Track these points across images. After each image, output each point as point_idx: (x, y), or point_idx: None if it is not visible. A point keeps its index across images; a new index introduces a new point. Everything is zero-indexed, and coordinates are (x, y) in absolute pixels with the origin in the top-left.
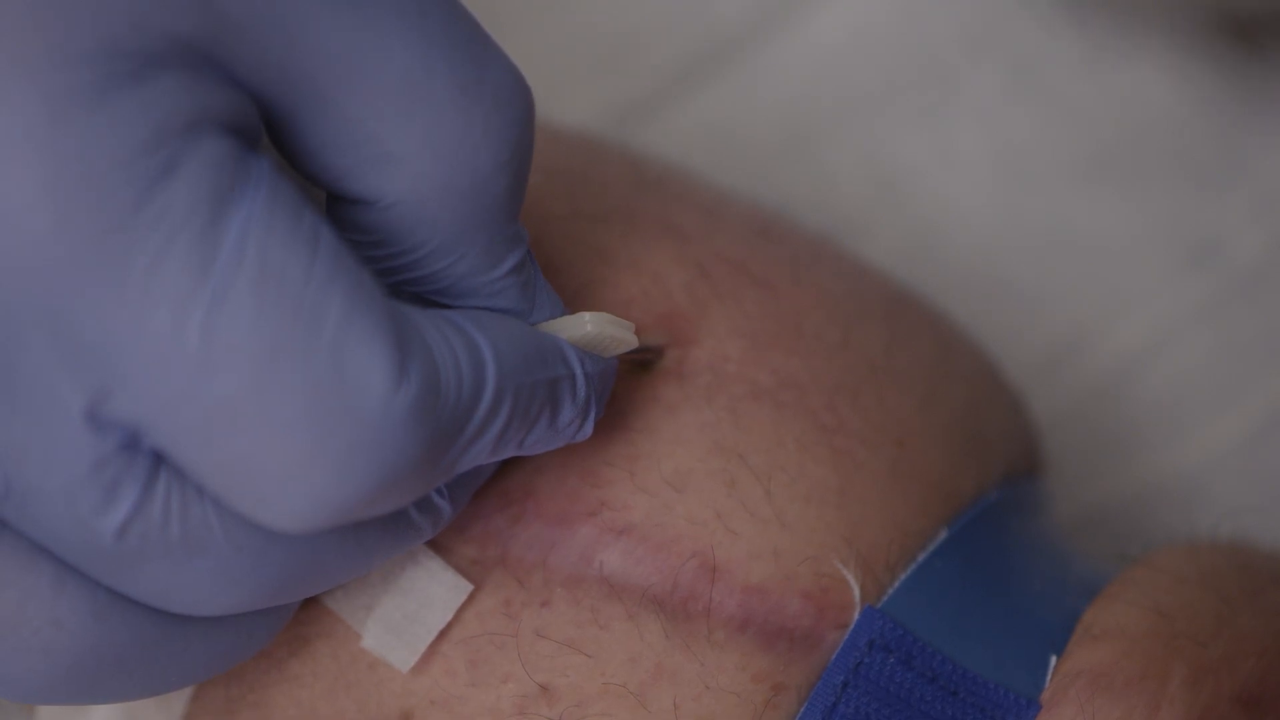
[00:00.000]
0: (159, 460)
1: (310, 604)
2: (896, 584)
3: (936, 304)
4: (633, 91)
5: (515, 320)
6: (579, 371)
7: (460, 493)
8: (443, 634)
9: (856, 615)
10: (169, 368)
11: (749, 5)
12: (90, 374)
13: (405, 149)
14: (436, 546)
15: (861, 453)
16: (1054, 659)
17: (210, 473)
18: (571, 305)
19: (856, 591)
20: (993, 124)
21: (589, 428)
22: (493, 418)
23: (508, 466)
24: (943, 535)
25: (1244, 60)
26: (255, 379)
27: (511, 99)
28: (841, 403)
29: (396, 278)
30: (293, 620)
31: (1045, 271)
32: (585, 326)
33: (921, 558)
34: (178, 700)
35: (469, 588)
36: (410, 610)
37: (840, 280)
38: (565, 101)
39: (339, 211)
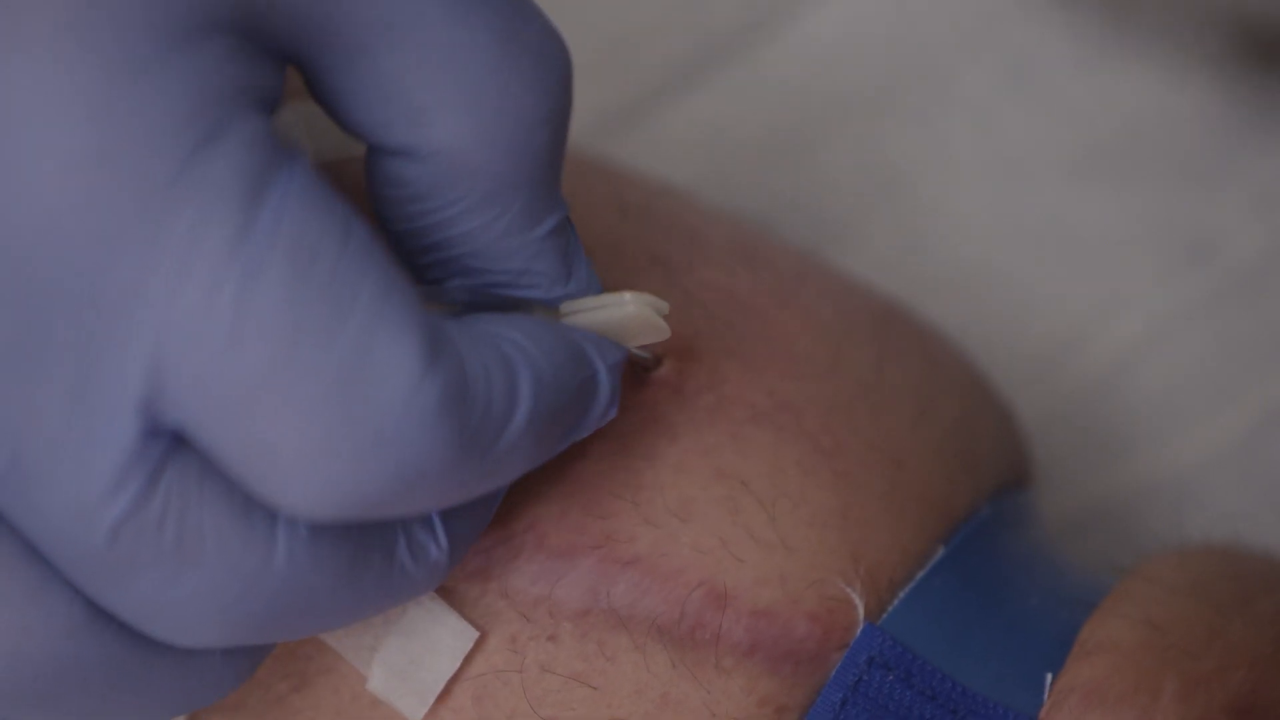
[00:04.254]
0: (168, 455)
1: (312, 640)
2: (895, 603)
3: (923, 315)
4: (628, 92)
5: (550, 325)
6: (602, 370)
7: (462, 540)
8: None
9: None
10: (200, 339)
11: (745, 6)
12: (124, 341)
13: (445, 100)
14: None
15: (861, 475)
16: (1050, 676)
17: (231, 451)
18: None
19: (861, 611)
20: (988, 123)
21: (613, 410)
22: (528, 435)
23: (507, 497)
24: (939, 553)
25: (1240, 58)
26: (281, 356)
27: (552, 54)
28: (838, 425)
29: (437, 235)
30: (294, 655)
31: (1040, 270)
32: (626, 306)
33: (920, 576)
34: None
35: (475, 634)
36: (415, 654)
37: (826, 301)
38: None
39: (379, 164)
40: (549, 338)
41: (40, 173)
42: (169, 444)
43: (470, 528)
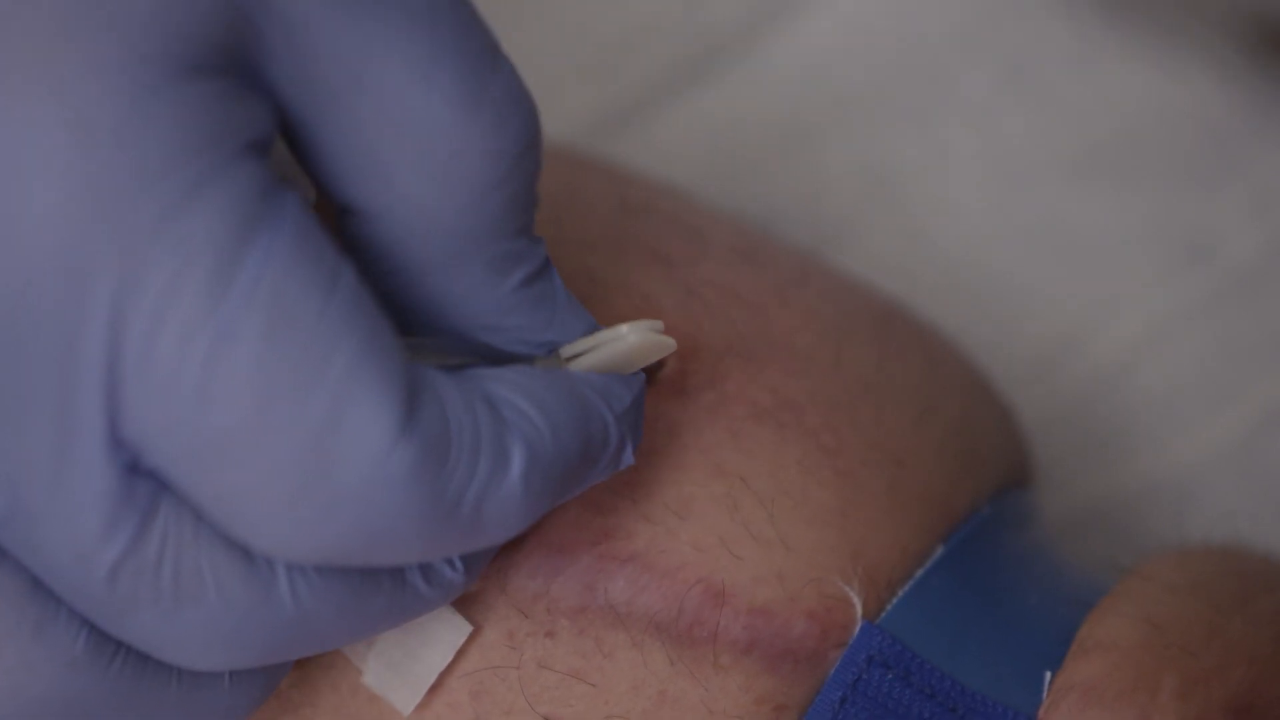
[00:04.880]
0: (158, 496)
1: None
2: (894, 601)
3: (924, 315)
4: (629, 93)
5: (554, 377)
6: (611, 422)
7: (476, 564)
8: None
9: (855, 632)
10: (171, 393)
11: (745, 6)
12: (99, 388)
13: (399, 160)
14: None
15: (862, 473)
16: (1049, 675)
17: (205, 499)
18: None
19: (859, 610)
20: (986, 123)
21: (629, 458)
22: (517, 505)
23: None
24: (939, 552)
25: (1239, 57)
26: (252, 415)
27: (512, 117)
28: (840, 423)
29: (404, 294)
30: None
31: (1038, 270)
32: (627, 339)
33: (919, 575)
34: None
35: (469, 628)
36: (410, 647)
37: (828, 299)
38: (560, 104)
39: (343, 222)
40: (550, 394)
41: (24, 219)
42: (157, 487)
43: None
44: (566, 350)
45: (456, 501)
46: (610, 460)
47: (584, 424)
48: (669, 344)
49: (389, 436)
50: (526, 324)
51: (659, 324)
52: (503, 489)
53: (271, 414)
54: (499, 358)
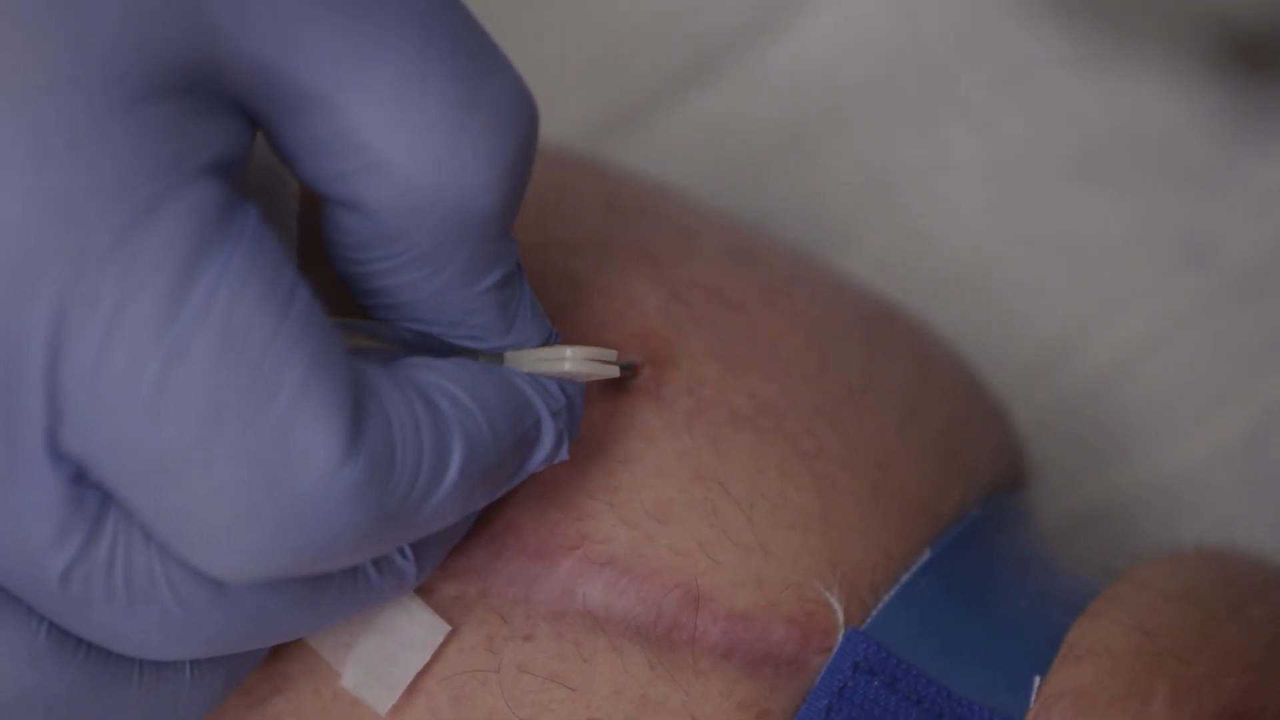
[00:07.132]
0: (107, 501)
1: (293, 640)
2: (880, 606)
3: (918, 318)
4: (630, 94)
5: (492, 373)
6: (546, 417)
7: (431, 553)
8: (425, 671)
9: (840, 638)
10: (120, 411)
11: (745, 7)
12: (47, 401)
13: (390, 159)
14: None
15: (842, 477)
16: (1037, 679)
17: (152, 517)
18: None
19: (840, 615)
20: (986, 125)
21: (564, 453)
22: (454, 498)
23: None
24: (925, 555)
25: (1238, 62)
26: (201, 435)
27: (509, 118)
28: (820, 427)
29: (376, 283)
30: (275, 657)
31: (1038, 271)
32: (563, 365)
33: (905, 579)
34: None
35: (446, 628)
36: (389, 650)
37: (816, 302)
38: (560, 106)
39: (326, 208)
40: (488, 389)
41: None
42: (106, 493)
43: (441, 540)
44: (511, 358)
45: (399, 509)
46: (546, 456)
47: (519, 417)
48: (609, 372)
49: (336, 456)
50: (488, 325)
51: (611, 353)
52: (441, 490)
53: (220, 434)
54: (444, 350)
